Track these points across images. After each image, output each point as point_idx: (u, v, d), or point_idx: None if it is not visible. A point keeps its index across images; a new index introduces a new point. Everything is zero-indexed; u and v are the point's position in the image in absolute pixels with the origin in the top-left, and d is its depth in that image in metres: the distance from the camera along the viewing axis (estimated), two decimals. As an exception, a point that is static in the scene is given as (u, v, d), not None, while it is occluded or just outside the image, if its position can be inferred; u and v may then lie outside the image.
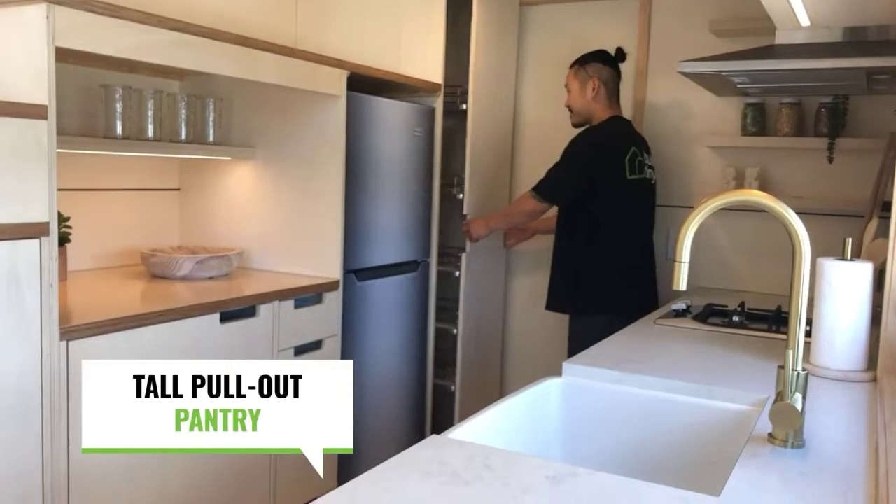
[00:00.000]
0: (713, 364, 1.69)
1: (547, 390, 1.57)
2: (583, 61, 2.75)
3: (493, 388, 3.50)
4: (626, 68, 3.20)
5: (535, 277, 3.35)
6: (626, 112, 3.19)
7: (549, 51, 3.35)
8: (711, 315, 2.30)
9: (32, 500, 1.63)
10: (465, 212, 3.03)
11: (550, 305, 2.79)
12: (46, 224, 1.63)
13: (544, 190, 2.71)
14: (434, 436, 1.18)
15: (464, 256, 3.08)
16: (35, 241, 1.61)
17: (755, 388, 1.48)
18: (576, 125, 2.80)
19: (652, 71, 3.14)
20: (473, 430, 1.31)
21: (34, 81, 1.61)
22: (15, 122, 1.56)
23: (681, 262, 1.25)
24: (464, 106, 3.03)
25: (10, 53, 1.63)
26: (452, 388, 3.13)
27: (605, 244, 2.65)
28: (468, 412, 3.16)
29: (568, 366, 1.62)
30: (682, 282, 1.25)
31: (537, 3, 3.38)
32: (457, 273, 3.10)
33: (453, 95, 3.05)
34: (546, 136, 3.34)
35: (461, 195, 3.07)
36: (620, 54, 2.80)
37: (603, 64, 2.74)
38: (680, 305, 2.30)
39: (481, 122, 3.09)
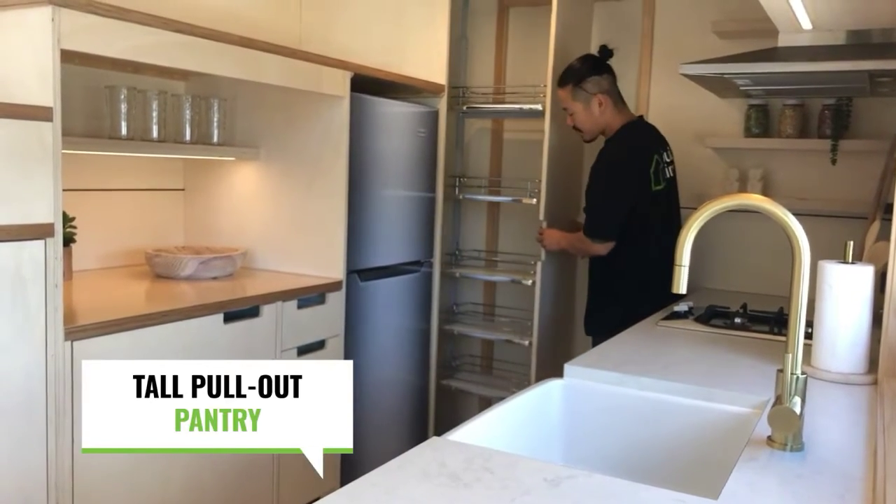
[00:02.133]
0: (714, 366, 1.69)
1: (548, 392, 1.58)
2: (577, 79, 2.56)
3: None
4: (629, 69, 3.21)
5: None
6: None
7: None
8: (713, 316, 2.30)
9: (37, 499, 1.65)
10: (541, 218, 2.82)
11: (588, 329, 2.68)
12: (51, 225, 1.64)
13: (596, 231, 2.55)
14: (434, 437, 1.19)
15: (539, 265, 2.89)
16: (40, 242, 1.62)
17: (756, 390, 1.48)
18: (590, 141, 2.70)
19: (655, 72, 3.14)
20: (475, 432, 1.32)
21: (40, 83, 1.62)
22: (20, 124, 1.57)
23: (681, 266, 1.25)
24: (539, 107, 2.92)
25: (15, 55, 1.65)
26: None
27: (634, 263, 2.54)
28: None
29: (569, 367, 1.63)
30: (682, 285, 1.25)
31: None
32: (529, 282, 2.95)
33: (456, 97, 3.05)
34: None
35: (535, 200, 2.92)
36: (607, 52, 2.64)
37: (599, 74, 2.58)
38: (682, 307, 2.30)
39: (558, 126, 2.89)
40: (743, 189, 2.96)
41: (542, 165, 2.82)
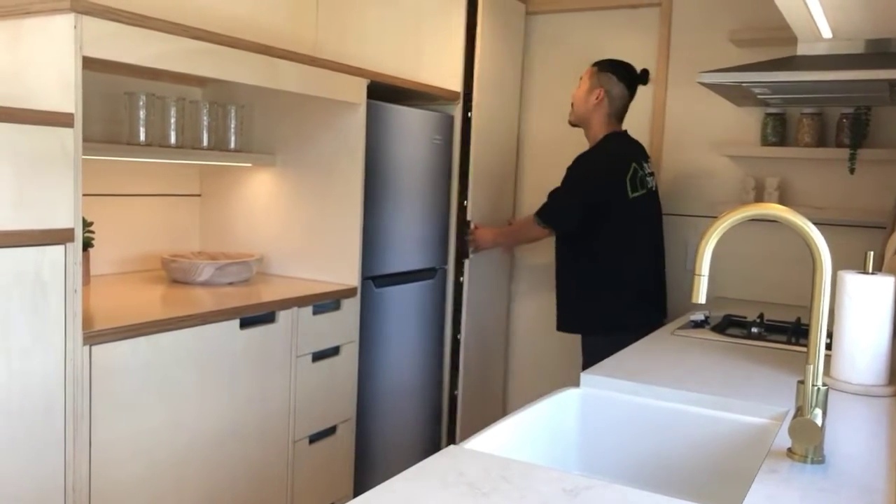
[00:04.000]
0: (731, 376, 1.68)
1: (564, 400, 1.57)
2: (603, 66, 2.70)
3: (496, 396, 3.51)
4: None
5: (540, 289, 3.35)
6: (645, 121, 3.20)
7: (560, 61, 3.36)
8: (730, 326, 2.29)
9: (54, 501, 1.65)
10: (468, 218, 3.02)
11: (563, 326, 2.78)
12: (71, 230, 1.65)
13: (548, 216, 2.70)
14: (452, 446, 1.18)
15: (467, 263, 3.06)
16: (60, 247, 1.64)
17: (774, 401, 1.47)
18: (571, 124, 2.79)
19: (672, 80, 3.13)
20: (491, 440, 1.31)
21: (61, 90, 1.64)
22: (42, 130, 1.59)
23: (700, 276, 1.24)
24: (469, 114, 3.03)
25: (38, 62, 1.66)
26: (456, 392, 3.12)
27: (614, 263, 2.64)
28: (470, 418, 3.17)
29: (586, 376, 1.62)
30: (701, 295, 1.25)
31: (545, 12, 3.39)
32: (461, 279, 3.08)
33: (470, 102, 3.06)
34: (551, 147, 3.37)
35: (465, 202, 3.05)
36: (644, 76, 2.74)
37: (619, 78, 2.68)
38: (698, 316, 2.29)
39: (484, 130, 3.10)
40: (759, 198, 2.95)
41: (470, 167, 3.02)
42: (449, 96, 2.95)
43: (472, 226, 3.00)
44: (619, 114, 2.73)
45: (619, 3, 3.21)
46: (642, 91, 3.21)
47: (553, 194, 2.71)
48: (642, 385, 1.57)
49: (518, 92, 3.41)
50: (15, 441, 1.57)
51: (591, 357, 2.58)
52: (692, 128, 3.11)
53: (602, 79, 2.67)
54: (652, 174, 2.76)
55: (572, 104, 2.76)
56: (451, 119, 2.99)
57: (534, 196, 3.42)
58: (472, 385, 3.20)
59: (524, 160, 3.46)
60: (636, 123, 3.22)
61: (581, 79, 2.75)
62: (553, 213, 2.69)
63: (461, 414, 3.13)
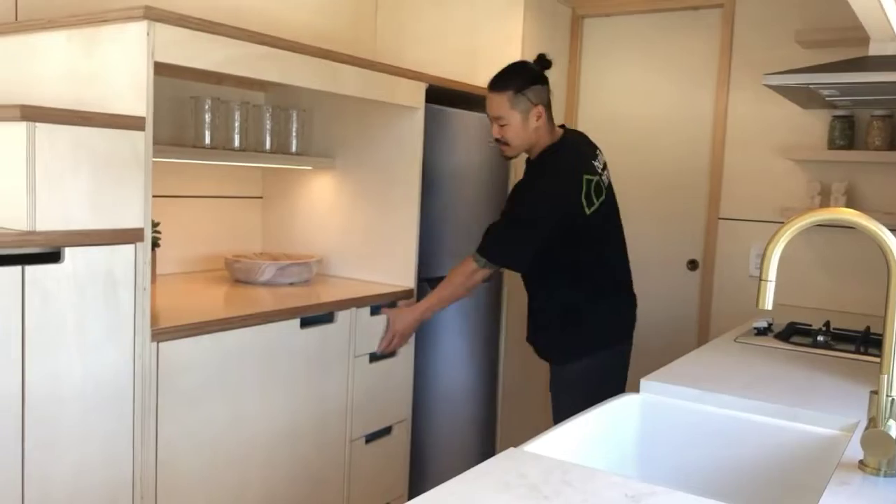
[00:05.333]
0: (797, 385, 1.64)
1: (624, 406, 1.55)
2: (519, 85, 2.23)
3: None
4: (706, 80, 3.15)
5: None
6: (706, 124, 3.15)
7: (615, 65, 3.33)
8: (794, 334, 2.23)
9: (124, 493, 1.71)
10: (380, 308, 2.45)
11: (546, 354, 2.41)
12: (141, 230, 1.71)
13: (495, 253, 2.25)
14: (512, 448, 1.18)
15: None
16: (131, 247, 1.69)
17: (843, 411, 1.43)
18: (510, 158, 2.39)
19: (734, 82, 3.07)
20: (549, 444, 1.31)
21: (134, 94, 1.69)
22: (116, 133, 1.64)
23: (767, 281, 1.22)
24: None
25: (112, 68, 1.72)
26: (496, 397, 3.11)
27: (588, 277, 2.31)
28: (515, 422, 3.13)
29: (645, 382, 1.60)
30: (768, 301, 1.22)
31: (597, 16, 3.36)
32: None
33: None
34: (604, 149, 3.33)
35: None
36: (547, 62, 2.30)
37: (540, 81, 2.27)
38: (761, 323, 2.24)
39: None
40: (825, 203, 2.87)
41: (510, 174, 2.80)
42: (506, 100, 2.95)
43: (386, 321, 2.40)
44: (551, 114, 2.33)
45: (678, 5, 3.17)
46: (701, 93, 3.17)
47: (500, 223, 2.29)
48: (704, 392, 1.54)
49: (563, 95, 3.39)
50: (88, 432, 1.63)
51: (574, 387, 2.30)
52: (755, 131, 3.04)
53: (531, 95, 2.24)
54: (603, 169, 2.36)
55: (506, 143, 2.29)
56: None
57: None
58: (516, 391, 3.19)
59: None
60: (696, 126, 3.17)
61: (498, 118, 2.26)
62: (502, 250, 2.27)
63: (500, 418, 3.12)
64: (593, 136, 3.39)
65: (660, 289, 3.29)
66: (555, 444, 1.32)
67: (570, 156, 2.29)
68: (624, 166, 3.34)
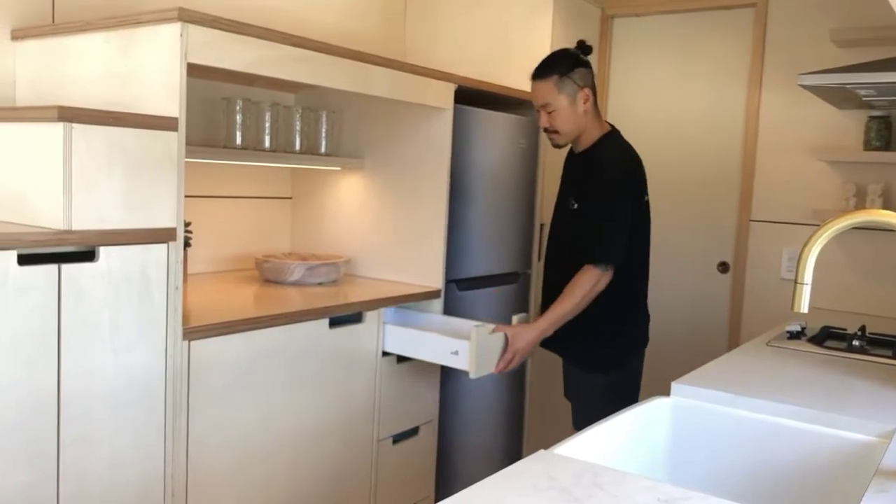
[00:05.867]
0: (832, 390, 1.61)
1: (654, 410, 1.54)
2: (564, 68, 2.19)
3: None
4: (737, 81, 3.12)
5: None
6: (737, 125, 3.11)
7: (645, 65, 3.31)
8: (828, 338, 2.19)
9: (155, 488, 1.73)
10: (493, 327, 2.28)
11: (582, 361, 2.32)
12: (174, 230, 1.73)
13: (610, 257, 2.15)
14: (542, 451, 1.18)
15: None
16: (163, 246, 1.71)
17: (880, 417, 1.40)
18: (561, 146, 2.31)
19: (766, 82, 3.03)
20: (579, 447, 1.30)
21: (167, 95, 1.71)
22: (150, 134, 1.67)
23: (803, 284, 1.20)
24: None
25: (146, 69, 1.75)
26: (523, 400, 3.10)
27: (635, 277, 2.29)
28: (542, 426, 3.12)
29: (677, 385, 1.58)
30: (803, 304, 1.20)
31: (627, 16, 3.34)
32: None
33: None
34: (636, 150, 3.31)
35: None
36: (587, 48, 2.27)
37: (584, 65, 2.22)
38: (794, 327, 2.20)
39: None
40: (860, 205, 2.82)
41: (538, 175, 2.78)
42: (535, 100, 2.94)
43: (504, 338, 2.23)
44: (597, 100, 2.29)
45: (710, 5, 3.13)
46: (733, 93, 3.13)
47: (598, 227, 2.18)
48: (737, 396, 1.52)
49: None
50: (121, 429, 1.65)
51: (609, 396, 2.18)
52: (788, 132, 3.00)
53: (577, 78, 2.19)
54: None
55: (553, 130, 2.24)
56: (537, 123, 2.98)
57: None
58: (543, 393, 3.17)
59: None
60: (727, 127, 3.14)
61: (544, 105, 2.22)
62: (613, 252, 2.17)
63: (527, 420, 3.10)
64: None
65: (689, 291, 3.25)
66: (584, 447, 1.31)
67: (627, 144, 2.28)
68: (653, 168, 3.29)
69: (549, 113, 2.22)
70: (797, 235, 2.96)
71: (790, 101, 2.97)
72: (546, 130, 2.27)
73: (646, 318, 2.38)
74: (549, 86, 2.19)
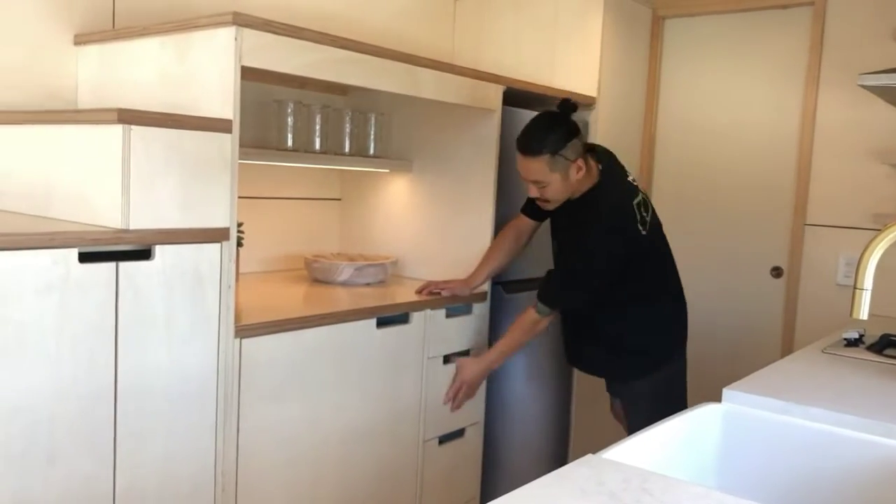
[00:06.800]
0: (891, 400, 1.56)
1: (705, 416, 1.51)
2: (555, 147, 2.08)
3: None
4: (793, 81, 3.05)
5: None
6: (793, 126, 3.04)
7: (698, 66, 3.25)
8: (888, 346, 2.12)
9: (206, 483, 1.77)
10: (450, 357, 2.46)
11: (617, 374, 2.38)
12: (227, 230, 1.76)
13: (558, 302, 2.24)
14: (590, 455, 1.17)
15: None
16: (217, 245, 1.75)
17: (943, 429, 1.35)
18: (552, 209, 2.27)
19: (824, 83, 2.96)
20: (627, 452, 1.28)
21: (221, 97, 1.75)
22: (205, 136, 1.70)
23: (863, 290, 1.17)
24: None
25: (202, 72, 1.79)
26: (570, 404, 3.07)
27: (654, 291, 2.29)
28: (588, 429, 3.09)
29: (728, 392, 1.55)
30: (863, 310, 1.17)
31: (680, 16, 3.29)
32: None
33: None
34: (687, 152, 3.27)
35: None
36: (571, 106, 2.17)
37: (574, 135, 2.12)
38: (852, 334, 2.14)
39: (606, 137, 3.03)
40: (923, 209, 2.73)
41: None
42: (584, 101, 2.92)
43: (456, 370, 2.38)
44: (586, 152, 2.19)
45: (766, 4, 3.07)
46: (788, 94, 3.06)
47: (565, 271, 2.23)
48: (791, 404, 1.48)
49: (642, 98, 3.33)
50: (174, 424, 1.69)
51: (651, 400, 2.25)
52: (847, 134, 2.92)
53: (569, 153, 2.10)
54: (636, 184, 2.30)
55: (545, 201, 2.19)
56: (584, 125, 2.96)
57: (662, 205, 3.33)
58: (590, 397, 3.14)
59: (657, 166, 3.37)
60: (781, 128, 3.07)
61: (536, 182, 2.14)
62: (568, 295, 2.25)
63: (574, 424, 3.08)
64: (674, 140, 3.35)
65: (741, 296, 3.19)
66: (633, 451, 1.29)
67: (617, 191, 2.20)
68: (705, 170, 3.26)
69: (541, 188, 2.15)
70: (855, 240, 2.88)
71: (849, 101, 2.89)
72: (536, 199, 2.23)
73: (675, 321, 2.35)
74: (540, 165, 2.11)
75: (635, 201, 2.19)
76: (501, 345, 2.33)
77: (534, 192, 2.18)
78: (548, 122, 2.15)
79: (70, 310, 1.50)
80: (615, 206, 2.17)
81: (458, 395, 2.39)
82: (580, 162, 2.13)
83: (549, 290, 2.24)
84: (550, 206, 2.23)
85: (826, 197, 2.96)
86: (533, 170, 2.13)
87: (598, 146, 2.34)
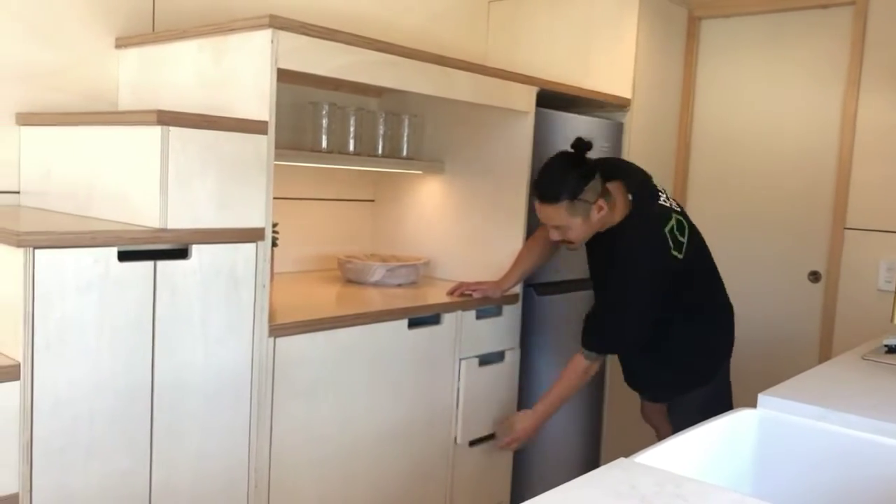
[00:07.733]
0: (934, 408, 1.52)
1: (739, 422, 1.49)
2: (573, 193, 2.06)
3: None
4: (835, 82, 2.99)
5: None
6: (832, 129, 2.98)
7: (735, 67, 3.21)
8: (930, 353, 2.07)
9: (240, 480, 1.79)
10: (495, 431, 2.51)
11: (673, 392, 2.35)
12: (262, 230, 1.79)
13: (606, 346, 2.22)
14: (622, 458, 1.16)
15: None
16: (252, 245, 1.77)
17: None
18: (576, 250, 2.27)
19: (865, 84, 2.90)
20: (660, 456, 1.27)
21: (258, 99, 1.78)
22: (242, 137, 1.73)
23: (904, 295, 1.14)
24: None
25: (238, 74, 1.82)
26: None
27: (697, 310, 2.26)
28: (622, 433, 3.06)
29: (764, 397, 1.53)
30: (904, 316, 1.14)
31: (716, 17, 3.25)
32: None
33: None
34: (723, 155, 3.23)
35: None
36: (586, 145, 2.12)
37: (591, 176, 2.08)
38: (893, 340, 2.09)
39: (639, 139, 3.02)
40: (968, 213, 2.66)
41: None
42: (618, 102, 2.90)
43: (507, 429, 2.37)
44: (606, 188, 2.14)
45: (806, 4, 3.02)
46: (828, 96, 3.01)
47: (606, 315, 2.20)
48: (829, 411, 1.45)
49: (678, 100, 3.30)
50: (209, 421, 1.72)
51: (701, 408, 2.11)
52: (889, 136, 2.86)
53: (588, 195, 2.08)
54: (669, 202, 2.23)
55: (570, 241, 2.17)
56: (619, 126, 2.94)
57: (697, 208, 3.29)
58: (622, 400, 3.11)
59: (692, 167, 3.33)
60: (821, 130, 3.01)
61: (558, 227, 2.13)
62: (615, 340, 2.23)
63: (605, 428, 3.05)
64: (709, 141, 3.31)
65: (778, 301, 3.14)
66: (666, 456, 1.28)
67: (647, 220, 2.14)
68: (741, 172, 3.22)
69: (567, 231, 2.13)
70: (896, 245, 2.82)
71: (891, 103, 2.83)
72: (559, 242, 2.22)
73: (723, 333, 2.33)
74: (559, 211, 2.09)
75: (667, 228, 2.12)
76: (553, 395, 2.28)
77: (556, 236, 2.17)
78: (563, 165, 2.12)
79: (109, 307, 1.53)
80: (645, 241, 2.11)
81: (510, 446, 2.37)
82: (601, 202, 2.09)
83: (590, 335, 2.21)
84: (575, 247, 2.20)
85: (866, 200, 2.90)
86: (553, 216, 2.11)
87: (631, 166, 2.31)
